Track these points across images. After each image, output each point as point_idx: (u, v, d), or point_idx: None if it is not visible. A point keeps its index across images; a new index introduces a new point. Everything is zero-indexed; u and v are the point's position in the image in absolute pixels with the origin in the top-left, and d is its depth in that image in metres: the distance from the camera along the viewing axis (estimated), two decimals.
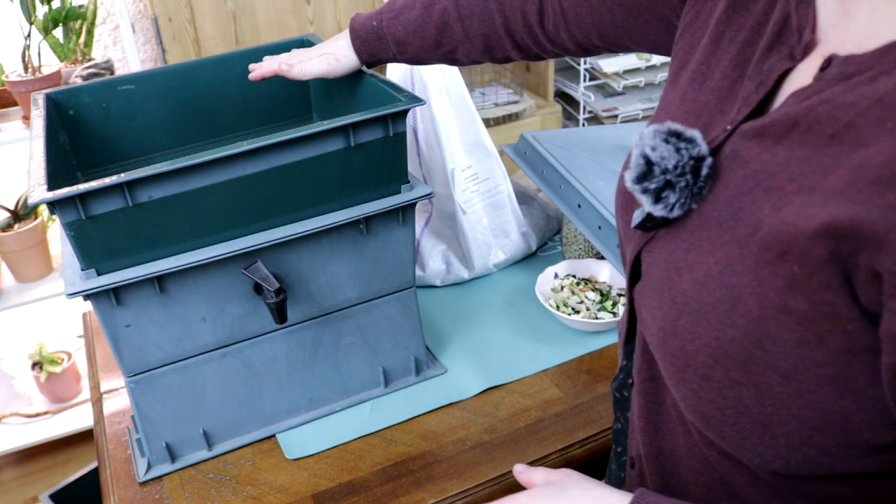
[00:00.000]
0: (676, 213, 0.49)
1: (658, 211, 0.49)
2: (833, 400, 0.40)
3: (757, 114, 0.49)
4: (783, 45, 0.48)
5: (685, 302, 0.47)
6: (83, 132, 0.94)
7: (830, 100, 0.42)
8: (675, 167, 0.47)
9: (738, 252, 0.44)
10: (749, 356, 0.43)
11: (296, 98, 1.04)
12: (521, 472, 0.58)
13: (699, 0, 0.58)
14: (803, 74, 0.46)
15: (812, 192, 0.41)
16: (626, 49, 0.73)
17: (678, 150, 0.48)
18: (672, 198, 0.48)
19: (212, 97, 0.99)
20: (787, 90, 0.47)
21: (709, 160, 0.48)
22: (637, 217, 0.52)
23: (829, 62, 0.44)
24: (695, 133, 0.48)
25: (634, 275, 0.56)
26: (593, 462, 0.85)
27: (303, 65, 0.84)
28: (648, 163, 0.48)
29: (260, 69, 0.86)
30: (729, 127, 0.49)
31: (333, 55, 0.85)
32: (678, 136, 0.48)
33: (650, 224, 0.51)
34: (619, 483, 0.67)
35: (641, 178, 0.49)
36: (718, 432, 0.46)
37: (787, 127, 0.44)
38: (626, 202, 0.58)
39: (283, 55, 0.87)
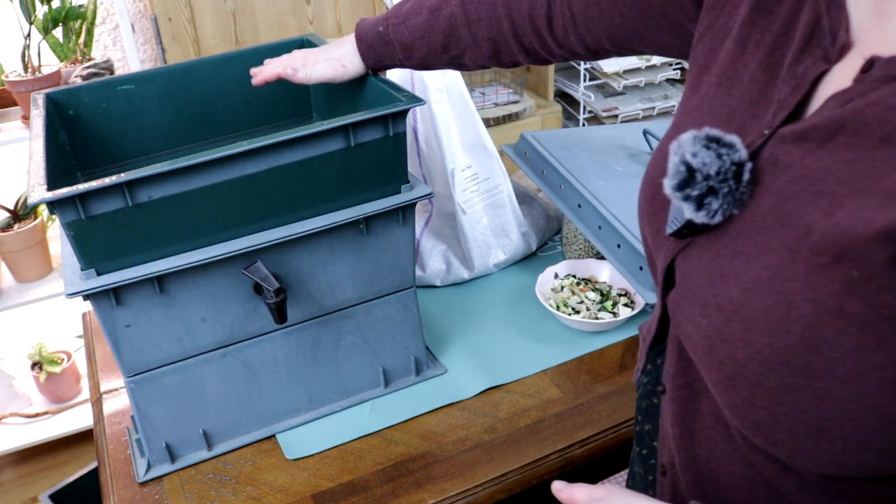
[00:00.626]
0: (718, 219, 0.48)
1: (700, 218, 0.48)
2: (894, 402, 0.40)
3: (793, 118, 0.48)
4: (816, 48, 0.48)
5: (733, 309, 0.46)
6: (83, 132, 0.94)
7: (879, 101, 0.41)
8: (718, 173, 0.47)
9: (789, 257, 0.44)
10: (805, 362, 0.42)
11: (296, 98, 1.04)
12: (560, 489, 0.56)
13: (717, 3, 0.57)
14: (840, 77, 0.46)
15: (866, 195, 0.40)
16: (636, 52, 0.73)
17: (719, 155, 0.47)
18: (715, 204, 0.47)
19: (212, 97, 0.99)
20: (824, 93, 0.47)
21: (749, 165, 0.47)
22: (674, 224, 0.51)
23: (870, 64, 0.43)
24: (734, 138, 0.48)
25: (668, 282, 0.55)
26: (593, 462, 0.85)
27: (307, 69, 0.83)
28: (690, 169, 0.47)
29: (263, 73, 0.85)
30: (767, 131, 0.49)
31: (339, 61, 0.84)
32: (718, 141, 0.48)
33: (687, 231, 0.51)
34: (645, 487, 0.66)
35: (682, 185, 0.48)
36: (769, 438, 0.46)
37: (831, 130, 0.44)
38: (654, 210, 0.57)
39: (286, 57, 0.86)
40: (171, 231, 0.72)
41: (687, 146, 0.48)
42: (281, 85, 0.95)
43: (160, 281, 0.74)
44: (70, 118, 0.92)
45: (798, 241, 0.43)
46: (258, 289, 0.78)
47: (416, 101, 0.78)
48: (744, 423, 0.47)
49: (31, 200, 0.63)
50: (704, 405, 0.54)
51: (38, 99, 0.88)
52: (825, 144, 0.44)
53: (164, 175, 0.68)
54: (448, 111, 1.05)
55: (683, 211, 0.49)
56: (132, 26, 1.79)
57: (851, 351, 0.40)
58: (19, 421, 1.76)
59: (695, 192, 0.47)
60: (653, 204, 0.57)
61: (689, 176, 0.48)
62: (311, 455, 0.84)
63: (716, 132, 0.48)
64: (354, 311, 0.87)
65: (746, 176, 0.47)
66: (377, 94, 0.84)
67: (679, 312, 0.53)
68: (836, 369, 0.41)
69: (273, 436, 0.87)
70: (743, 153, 0.47)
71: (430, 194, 0.83)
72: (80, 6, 1.57)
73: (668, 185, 0.49)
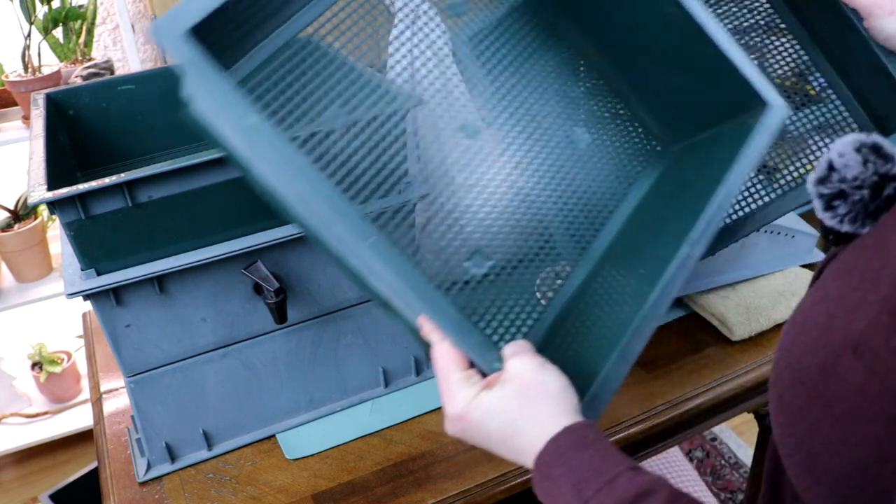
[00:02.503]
0: (847, 227, 0.46)
1: (828, 220, 0.46)
2: None
3: None
4: None
5: (801, 320, 0.44)
6: (83, 132, 0.94)
7: None
8: (855, 178, 0.45)
9: (858, 285, 0.40)
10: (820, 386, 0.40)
11: None
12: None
13: None
14: None
15: None
16: None
17: (866, 162, 0.45)
18: (842, 209, 0.45)
19: None
20: None
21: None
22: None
23: None
24: (895, 151, 0.45)
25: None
26: None
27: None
28: (830, 167, 0.46)
29: None
30: None
31: None
32: (877, 150, 0.45)
33: (830, 236, 0.48)
34: None
35: (820, 181, 0.47)
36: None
37: None
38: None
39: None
40: (171, 231, 0.72)
41: (840, 145, 0.46)
42: None
43: (160, 281, 0.74)
44: (70, 118, 0.92)
45: (877, 270, 0.40)
46: (258, 289, 0.78)
47: (417, 101, 0.78)
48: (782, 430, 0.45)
49: (31, 200, 0.63)
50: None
51: (39, 99, 0.88)
52: None
53: (164, 175, 0.68)
54: None
55: (815, 208, 0.47)
56: (132, 26, 1.79)
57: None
58: (19, 421, 1.76)
59: (826, 191, 0.46)
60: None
61: (827, 174, 0.46)
62: (311, 455, 0.84)
63: (880, 140, 0.46)
64: (354, 311, 0.87)
65: (888, 191, 0.44)
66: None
67: None
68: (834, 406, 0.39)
69: (273, 436, 0.87)
70: (895, 169, 0.45)
71: (429, 194, 0.83)
72: (80, 6, 1.57)
73: (811, 177, 0.48)
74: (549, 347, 0.60)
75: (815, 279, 0.52)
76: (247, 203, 0.74)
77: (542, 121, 0.71)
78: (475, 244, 0.65)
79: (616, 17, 0.67)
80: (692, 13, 0.58)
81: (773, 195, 0.80)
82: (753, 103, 0.61)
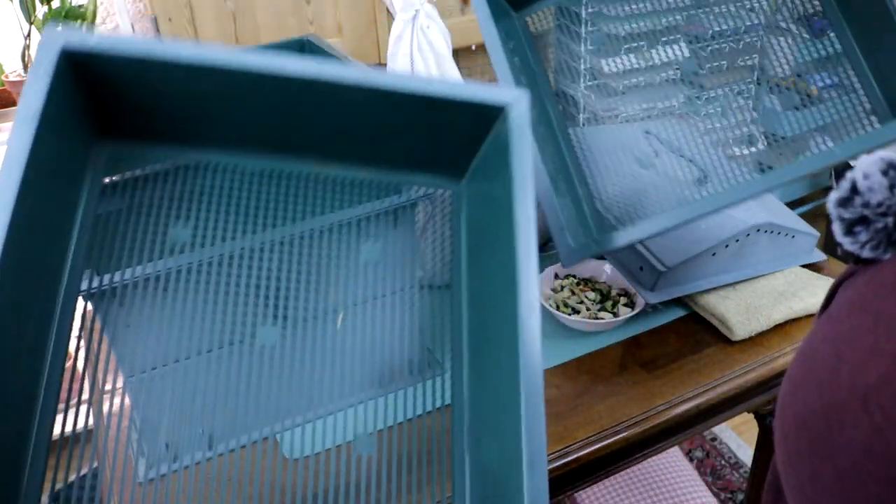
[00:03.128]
0: (868, 254, 0.42)
1: (847, 244, 0.43)
2: None
3: None
4: None
5: (811, 354, 0.42)
6: None
7: None
8: (879, 204, 0.41)
9: (872, 325, 0.38)
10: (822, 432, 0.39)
11: None
12: None
13: None
14: None
15: None
16: None
17: (892, 186, 0.41)
18: (863, 235, 0.42)
19: None
20: None
21: None
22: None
23: None
24: None
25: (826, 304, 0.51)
26: (593, 462, 0.85)
27: None
28: (854, 189, 0.42)
29: None
30: None
31: None
32: None
33: (847, 255, 0.45)
34: None
35: (841, 203, 0.43)
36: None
37: None
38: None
39: None
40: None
41: (865, 165, 0.42)
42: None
43: (160, 281, 0.74)
44: None
45: (892, 315, 0.38)
46: (258, 289, 0.78)
47: None
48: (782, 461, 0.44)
49: None
50: None
51: None
52: None
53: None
54: None
55: (835, 231, 0.44)
56: (132, 26, 1.79)
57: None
58: None
59: (847, 215, 0.43)
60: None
61: (850, 196, 0.43)
62: (311, 455, 0.84)
63: None
64: (354, 310, 0.87)
65: None
66: None
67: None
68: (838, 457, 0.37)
69: (273, 436, 0.87)
70: None
71: (429, 194, 0.83)
72: (80, 6, 1.57)
73: (832, 196, 0.44)
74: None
75: (827, 299, 0.50)
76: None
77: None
78: None
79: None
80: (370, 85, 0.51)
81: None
82: (492, 115, 0.55)
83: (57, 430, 1.62)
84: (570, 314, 1.00)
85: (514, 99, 0.54)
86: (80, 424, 1.84)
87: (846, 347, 0.39)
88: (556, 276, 1.07)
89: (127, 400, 0.95)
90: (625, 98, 2.19)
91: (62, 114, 0.48)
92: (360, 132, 0.60)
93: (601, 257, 1.09)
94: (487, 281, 0.59)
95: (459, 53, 2.06)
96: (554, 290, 1.06)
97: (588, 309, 1.01)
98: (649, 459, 1.14)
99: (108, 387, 0.99)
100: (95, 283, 0.70)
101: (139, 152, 0.59)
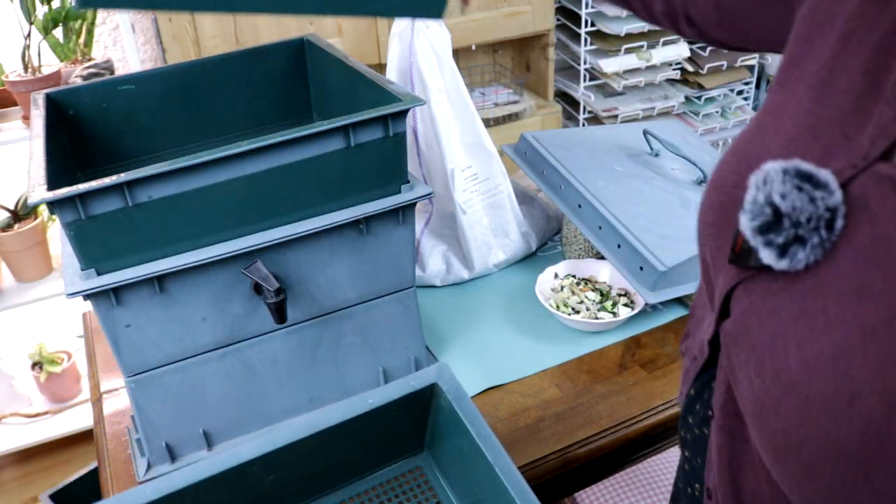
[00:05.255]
0: (800, 267, 0.41)
1: (781, 265, 0.41)
2: None
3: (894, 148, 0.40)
4: None
5: (791, 382, 0.40)
6: (83, 132, 0.94)
7: None
8: (809, 220, 0.40)
9: (860, 339, 0.37)
10: (868, 458, 0.36)
11: (296, 98, 1.04)
12: None
13: None
14: None
15: None
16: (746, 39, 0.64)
17: (812, 199, 0.40)
18: (801, 254, 0.40)
19: (212, 97, 0.99)
20: None
21: (843, 209, 0.40)
22: (743, 259, 0.44)
23: None
24: (828, 176, 0.40)
25: (724, 309, 0.49)
26: (593, 462, 0.85)
27: None
28: (777, 213, 0.40)
29: None
30: (861, 163, 0.41)
31: None
32: (810, 179, 0.40)
33: (754, 264, 0.43)
34: None
35: (766, 229, 0.41)
36: None
37: None
38: (720, 222, 0.49)
39: None
40: (171, 231, 0.72)
41: (775, 184, 0.41)
42: (281, 85, 0.95)
43: (160, 281, 0.74)
44: (70, 118, 0.92)
45: (876, 322, 0.37)
46: (258, 289, 0.78)
47: (416, 101, 0.78)
48: (793, 497, 0.42)
49: (31, 200, 0.63)
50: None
51: (39, 99, 0.88)
52: None
53: (164, 175, 0.68)
54: (448, 111, 1.05)
55: (760, 254, 0.42)
56: (132, 26, 1.79)
57: None
58: (19, 421, 1.76)
59: (780, 240, 0.41)
60: (719, 214, 0.49)
61: (776, 220, 0.41)
62: None
63: (807, 167, 0.41)
64: (354, 310, 0.87)
65: (840, 223, 0.40)
66: (377, 94, 0.84)
67: (733, 353, 0.47)
68: None
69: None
70: (838, 196, 0.40)
71: (429, 194, 0.83)
72: None
73: (746, 223, 0.42)
74: None
75: (724, 301, 0.48)
76: (247, 203, 0.74)
77: None
78: None
79: None
80: None
81: None
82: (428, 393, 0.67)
83: (57, 431, 1.62)
84: (570, 314, 1.00)
85: (437, 376, 0.66)
86: (80, 424, 1.84)
87: (843, 365, 0.38)
88: (556, 276, 1.07)
89: (127, 400, 0.95)
90: (625, 98, 2.19)
91: None
92: (335, 459, 0.69)
93: (601, 257, 1.09)
94: None
95: (459, 53, 2.06)
96: (554, 289, 1.06)
97: (588, 309, 1.01)
98: (649, 459, 1.14)
99: (108, 387, 0.99)
100: (95, 284, 0.70)
101: None
